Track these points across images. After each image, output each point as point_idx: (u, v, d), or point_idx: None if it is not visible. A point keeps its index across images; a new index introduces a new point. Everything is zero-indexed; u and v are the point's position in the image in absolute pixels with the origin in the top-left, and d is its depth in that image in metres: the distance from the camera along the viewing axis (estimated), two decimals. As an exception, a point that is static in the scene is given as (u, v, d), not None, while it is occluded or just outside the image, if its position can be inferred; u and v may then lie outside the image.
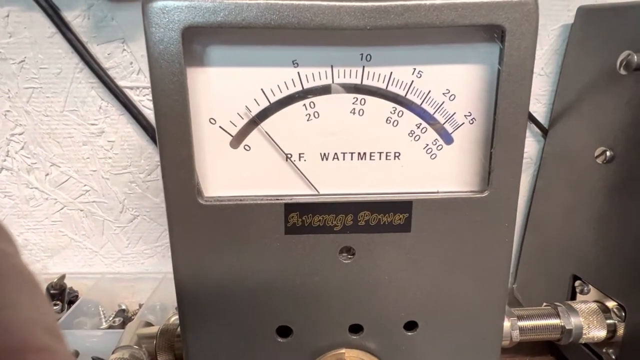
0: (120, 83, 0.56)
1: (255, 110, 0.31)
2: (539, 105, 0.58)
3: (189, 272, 0.32)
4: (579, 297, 0.48)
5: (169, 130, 0.29)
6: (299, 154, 0.32)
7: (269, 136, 0.31)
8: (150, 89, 0.55)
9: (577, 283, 0.48)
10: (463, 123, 0.32)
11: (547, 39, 0.55)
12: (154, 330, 0.41)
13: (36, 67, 0.55)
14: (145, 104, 0.57)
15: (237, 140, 0.31)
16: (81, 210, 0.62)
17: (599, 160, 0.44)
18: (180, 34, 0.27)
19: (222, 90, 0.30)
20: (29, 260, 0.65)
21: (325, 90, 0.31)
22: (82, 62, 0.54)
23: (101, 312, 0.58)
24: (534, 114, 0.57)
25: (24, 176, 0.60)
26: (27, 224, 0.63)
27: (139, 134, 0.58)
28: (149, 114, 0.57)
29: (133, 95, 0.56)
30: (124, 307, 0.60)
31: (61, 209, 0.62)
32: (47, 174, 0.60)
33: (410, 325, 0.35)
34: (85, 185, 0.61)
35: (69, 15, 0.53)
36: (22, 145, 0.59)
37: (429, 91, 0.31)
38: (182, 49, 0.28)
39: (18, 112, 0.57)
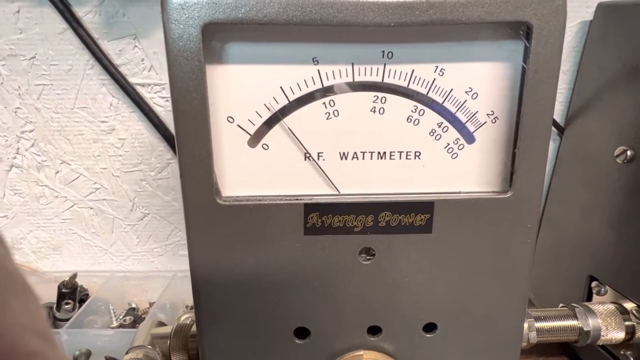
0: (132, 80, 0.55)
1: (274, 108, 0.30)
2: (555, 104, 0.57)
3: (207, 272, 0.32)
4: (595, 298, 0.47)
5: (187, 129, 0.29)
6: (318, 153, 0.31)
7: (292, 133, 0.30)
8: (161, 86, 0.56)
9: (594, 284, 0.47)
10: (485, 122, 0.31)
11: (565, 36, 0.54)
12: (167, 330, 0.40)
13: (47, 64, 0.55)
14: (157, 102, 0.56)
15: (255, 139, 0.31)
16: (91, 208, 0.62)
17: (619, 160, 0.43)
18: (200, 30, 0.27)
19: (240, 87, 0.30)
20: (38, 256, 0.65)
21: (336, 88, 0.30)
22: (93, 59, 0.54)
23: (111, 311, 0.58)
24: (550, 113, 0.56)
25: (34, 174, 0.60)
26: (36, 222, 0.63)
27: (150, 131, 0.57)
28: (160, 111, 0.57)
29: (144, 93, 0.56)
30: (134, 305, 0.60)
31: (71, 207, 0.62)
32: (57, 172, 0.60)
33: (430, 327, 0.34)
34: (95, 183, 0.60)
35: (80, 11, 0.53)
36: (32, 142, 0.58)
37: (451, 89, 0.31)
38: (202, 46, 0.27)
39: (28, 109, 0.57)
